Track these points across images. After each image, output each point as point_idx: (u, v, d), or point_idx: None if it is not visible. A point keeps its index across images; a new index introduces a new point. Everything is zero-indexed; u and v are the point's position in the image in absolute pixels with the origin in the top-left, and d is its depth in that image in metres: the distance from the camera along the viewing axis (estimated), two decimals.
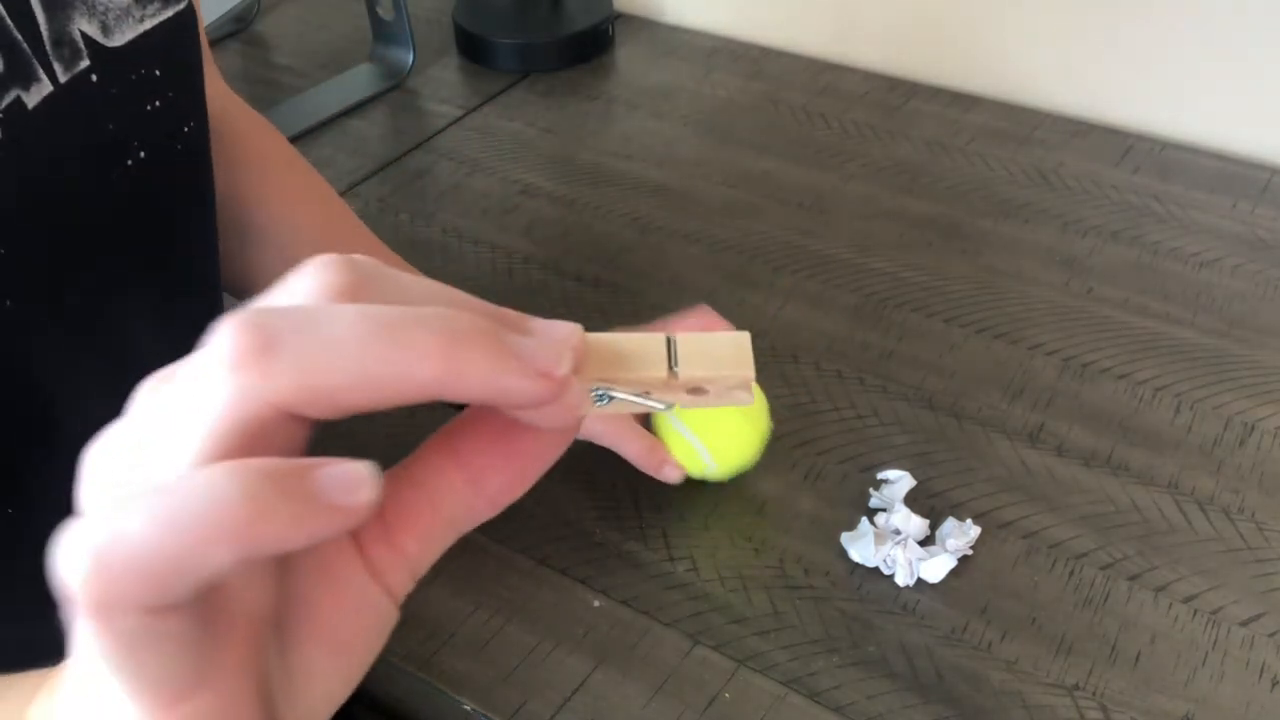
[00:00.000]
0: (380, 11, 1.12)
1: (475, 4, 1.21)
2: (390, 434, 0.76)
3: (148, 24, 0.47)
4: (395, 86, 1.13)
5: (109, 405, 0.48)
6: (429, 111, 1.09)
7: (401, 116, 1.09)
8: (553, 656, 0.63)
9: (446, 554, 0.68)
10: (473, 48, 1.17)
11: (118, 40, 0.45)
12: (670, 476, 0.68)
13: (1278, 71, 0.97)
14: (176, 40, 0.49)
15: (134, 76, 0.47)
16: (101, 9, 0.44)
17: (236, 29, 1.23)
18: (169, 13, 0.48)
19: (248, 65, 1.19)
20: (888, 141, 1.03)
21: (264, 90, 1.13)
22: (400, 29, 1.12)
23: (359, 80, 1.13)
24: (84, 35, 0.44)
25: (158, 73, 0.48)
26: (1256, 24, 0.96)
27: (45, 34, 0.42)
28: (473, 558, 0.69)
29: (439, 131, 1.07)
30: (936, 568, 0.66)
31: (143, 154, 0.48)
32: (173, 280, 0.52)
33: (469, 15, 1.19)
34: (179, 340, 0.53)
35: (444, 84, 1.14)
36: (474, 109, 1.10)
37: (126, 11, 0.45)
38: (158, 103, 0.49)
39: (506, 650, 0.64)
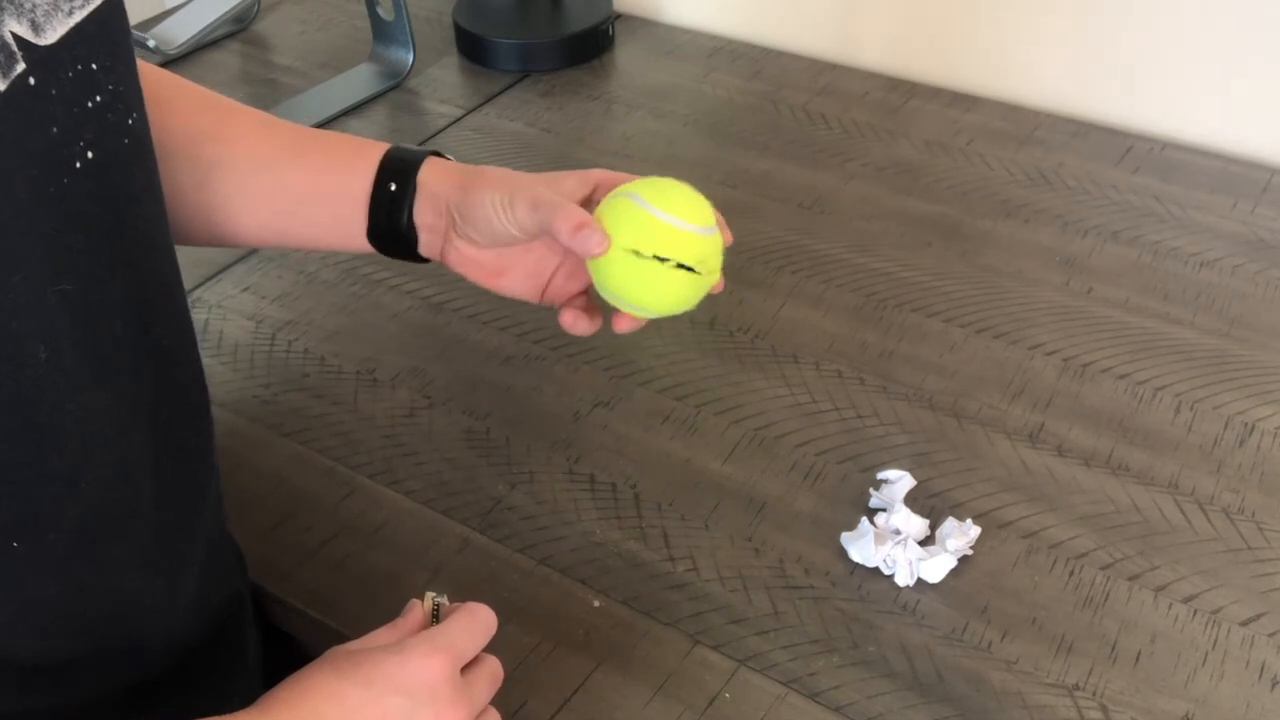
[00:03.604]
0: (380, 11, 1.12)
1: (475, 4, 1.21)
2: (388, 435, 0.76)
3: (78, 16, 0.44)
4: (395, 86, 1.13)
5: (101, 420, 0.47)
6: (429, 111, 1.09)
7: (401, 116, 1.09)
8: (553, 656, 0.63)
9: (446, 554, 0.68)
10: (473, 48, 1.17)
11: (50, 37, 0.43)
12: (590, 247, 0.57)
13: (1277, 72, 0.97)
14: (109, 29, 0.47)
15: (71, 74, 0.44)
16: (29, 6, 0.42)
17: (236, 29, 1.23)
18: (98, 0, 0.45)
19: (248, 65, 1.19)
20: (888, 141, 1.03)
21: (264, 90, 1.13)
22: (400, 29, 1.12)
23: (359, 80, 1.13)
24: (15, 37, 0.41)
25: (94, 66, 0.46)
26: (1256, 25, 0.96)
27: None
28: (473, 557, 0.69)
29: (439, 131, 1.07)
30: (936, 568, 0.66)
31: (90, 155, 0.46)
32: (140, 282, 0.50)
33: (469, 15, 1.19)
34: (159, 346, 0.53)
35: (444, 84, 1.14)
36: (474, 109, 1.10)
37: (55, 5, 0.43)
38: (98, 98, 0.46)
39: (506, 650, 0.64)
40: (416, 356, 0.82)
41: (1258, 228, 0.91)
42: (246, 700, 0.54)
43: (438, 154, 0.64)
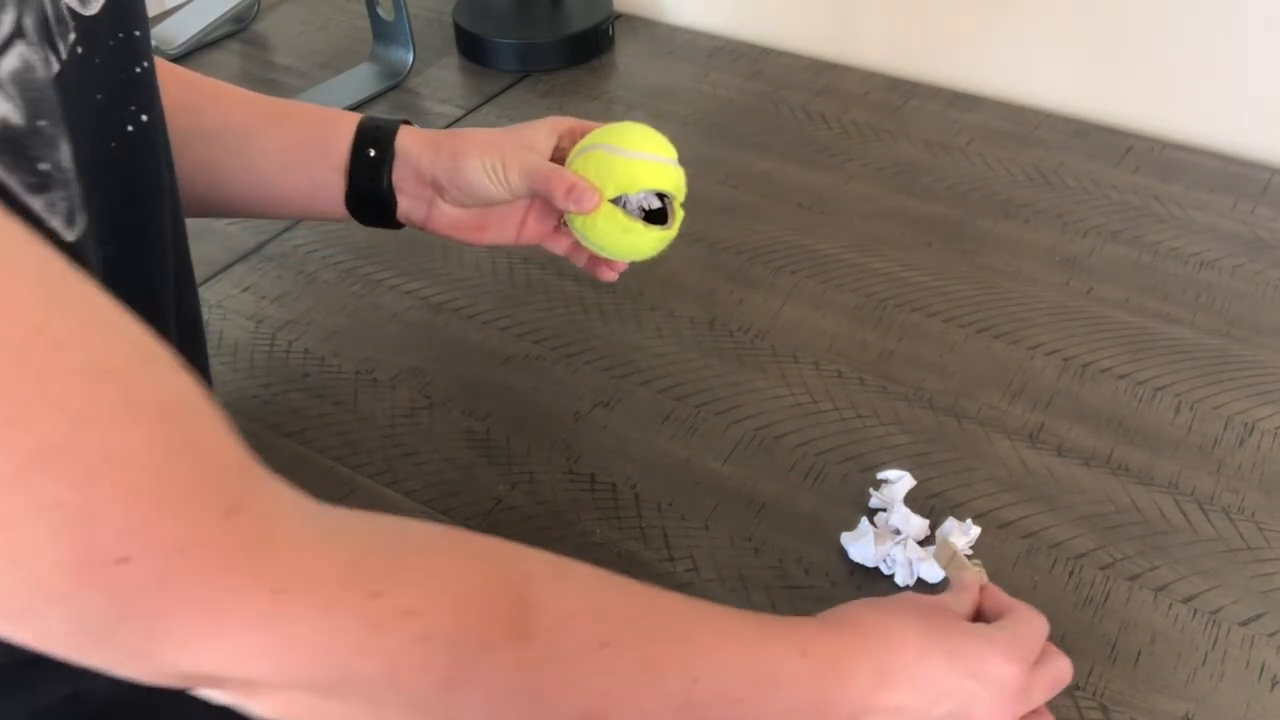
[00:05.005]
0: (380, 11, 1.12)
1: (475, 4, 1.21)
2: (388, 435, 0.76)
3: None
4: (395, 86, 1.13)
5: None
6: (429, 111, 1.09)
7: (401, 116, 1.09)
8: None
9: None
10: (473, 48, 1.17)
11: (93, 7, 0.44)
12: (584, 205, 0.62)
13: (1277, 72, 0.97)
14: (136, 2, 0.48)
15: (112, 42, 0.46)
16: None
17: (236, 29, 1.23)
18: None
19: (248, 65, 1.19)
20: (888, 141, 1.03)
21: (264, 90, 1.12)
22: (400, 29, 1.12)
23: (359, 80, 1.13)
24: (68, 8, 0.43)
25: (136, 33, 0.47)
26: (1256, 25, 0.96)
27: (50, 13, 0.42)
28: None
29: (404, 122, 1.06)
30: (936, 568, 0.66)
31: (144, 118, 0.48)
32: (174, 252, 0.52)
33: (469, 15, 1.19)
34: (185, 321, 0.53)
35: (444, 84, 1.14)
36: (474, 109, 1.10)
37: None
38: (145, 64, 0.48)
39: None
40: (416, 356, 0.82)
41: (1258, 228, 0.91)
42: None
43: (407, 122, 0.68)
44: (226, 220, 0.95)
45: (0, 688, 0.48)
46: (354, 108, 1.09)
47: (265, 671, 0.37)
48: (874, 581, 0.66)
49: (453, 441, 0.76)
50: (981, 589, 0.58)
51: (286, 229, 0.95)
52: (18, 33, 0.39)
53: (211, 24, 1.19)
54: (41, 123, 0.40)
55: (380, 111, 1.09)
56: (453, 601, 0.40)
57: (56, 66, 0.41)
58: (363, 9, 1.14)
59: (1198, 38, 0.99)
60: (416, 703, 0.40)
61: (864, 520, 0.68)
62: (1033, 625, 0.55)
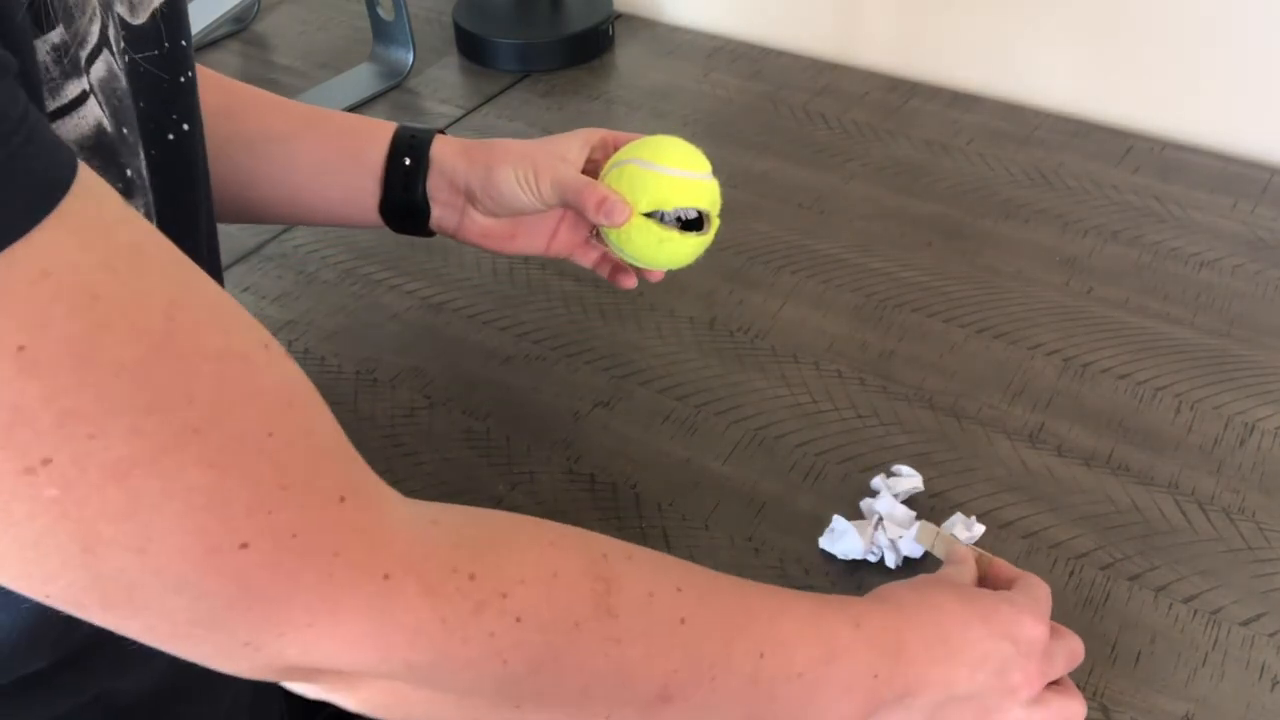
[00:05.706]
0: (380, 11, 1.12)
1: (475, 4, 1.21)
2: (389, 434, 0.76)
3: None
4: (395, 86, 1.13)
5: None
6: (429, 111, 1.09)
7: (401, 116, 1.09)
8: None
9: None
10: (473, 48, 1.17)
11: (141, 18, 0.45)
12: (615, 219, 0.63)
13: (1277, 72, 0.97)
14: (179, 12, 0.49)
15: (156, 51, 0.47)
16: None
17: (236, 29, 1.23)
18: None
19: (248, 65, 1.19)
20: (888, 141, 1.03)
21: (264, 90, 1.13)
22: (400, 29, 1.12)
23: (359, 80, 1.13)
24: (118, 16, 0.44)
25: (183, 43, 0.48)
26: (1256, 25, 0.96)
27: (111, 26, 0.42)
28: None
29: (439, 132, 1.06)
30: (917, 544, 0.65)
31: (185, 127, 0.48)
32: (201, 255, 0.52)
33: (469, 15, 1.19)
34: None
35: (444, 84, 1.14)
36: (474, 109, 1.10)
37: None
38: (190, 73, 0.49)
39: None
40: (416, 356, 0.82)
41: (1258, 228, 0.91)
42: (239, 702, 0.54)
43: (441, 132, 0.68)
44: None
45: (27, 691, 0.48)
46: (354, 108, 1.09)
47: (370, 660, 0.38)
48: (874, 579, 0.66)
49: (453, 441, 0.76)
50: (979, 559, 0.60)
51: (287, 229, 0.95)
52: (104, 41, 0.39)
53: (211, 24, 1.19)
54: (125, 130, 0.40)
55: (380, 111, 1.09)
56: (541, 583, 0.42)
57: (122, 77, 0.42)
58: (363, 9, 1.14)
59: (1198, 38, 0.99)
60: (506, 686, 0.41)
61: (836, 518, 0.67)
62: (1043, 590, 0.57)
